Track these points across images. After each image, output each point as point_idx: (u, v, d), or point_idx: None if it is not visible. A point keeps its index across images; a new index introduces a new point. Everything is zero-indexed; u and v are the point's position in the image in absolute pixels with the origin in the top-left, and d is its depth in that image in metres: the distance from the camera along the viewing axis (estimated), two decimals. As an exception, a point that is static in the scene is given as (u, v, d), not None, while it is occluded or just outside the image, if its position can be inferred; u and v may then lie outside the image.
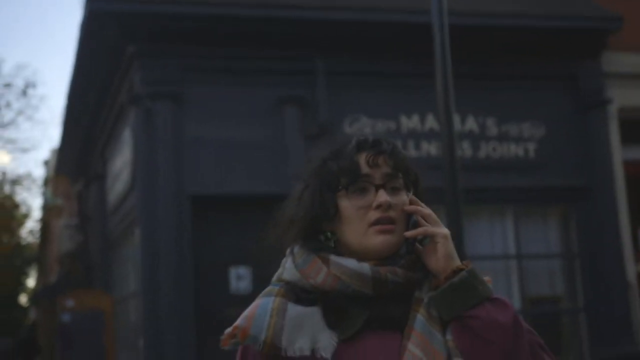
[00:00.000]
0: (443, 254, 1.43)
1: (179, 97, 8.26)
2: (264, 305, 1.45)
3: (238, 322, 1.45)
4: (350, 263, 1.43)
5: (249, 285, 8.16)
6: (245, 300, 1.81)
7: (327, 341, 1.40)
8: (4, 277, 23.21)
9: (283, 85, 8.54)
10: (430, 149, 8.83)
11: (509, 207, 9.16)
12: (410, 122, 8.83)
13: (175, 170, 8.11)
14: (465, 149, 8.96)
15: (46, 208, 30.10)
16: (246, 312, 1.47)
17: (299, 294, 1.46)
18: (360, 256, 1.45)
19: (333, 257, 1.46)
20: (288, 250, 1.54)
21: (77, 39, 9.07)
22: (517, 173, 9.13)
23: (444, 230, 1.46)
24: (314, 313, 1.43)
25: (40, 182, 30.31)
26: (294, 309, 1.43)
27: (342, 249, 1.48)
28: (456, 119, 9.02)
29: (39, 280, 36.51)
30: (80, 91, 10.75)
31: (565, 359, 9.12)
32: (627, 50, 9.50)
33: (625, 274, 9.09)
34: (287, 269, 1.50)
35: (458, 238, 5.59)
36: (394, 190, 1.48)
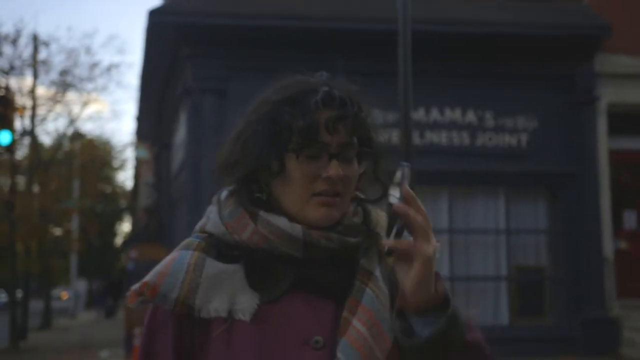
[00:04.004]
0: (418, 279, 1.20)
1: (222, 91, 10.09)
2: (180, 259, 1.28)
3: (148, 277, 1.28)
4: (281, 222, 1.27)
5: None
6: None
7: (247, 302, 1.25)
8: (99, 223, 26.26)
9: (309, 81, 10.23)
10: (433, 137, 10.38)
11: (501, 189, 10.65)
12: (416, 114, 10.37)
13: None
14: (464, 138, 10.47)
15: (138, 161, 33.02)
16: (159, 267, 1.29)
17: (221, 249, 1.30)
18: (293, 219, 1.28)
19: (262, 214, 1.29)
20: (214, 198, 1.37)
21: (144, 40, 11.02)
22: (510, 160, 10.57)
23: (429, 251, 1.20)
24: (235, 271, 1.27)
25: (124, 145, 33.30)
26: (212, 266, 1.26)
27: (274, 204, 1.31)
28: (457, 112, 10.57)
29: (132, 227, 39.78)
30: (149, 78, 12.80)
31: (546, 319, 10.65)
32: (618, 52, 10.68)
33: (602, 250, 10.47)
34: (212, 220, 1.33)
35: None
36: (346, 160, 1.29)
